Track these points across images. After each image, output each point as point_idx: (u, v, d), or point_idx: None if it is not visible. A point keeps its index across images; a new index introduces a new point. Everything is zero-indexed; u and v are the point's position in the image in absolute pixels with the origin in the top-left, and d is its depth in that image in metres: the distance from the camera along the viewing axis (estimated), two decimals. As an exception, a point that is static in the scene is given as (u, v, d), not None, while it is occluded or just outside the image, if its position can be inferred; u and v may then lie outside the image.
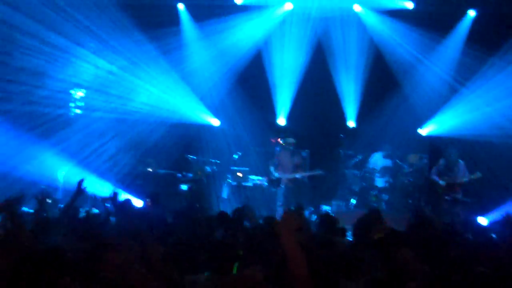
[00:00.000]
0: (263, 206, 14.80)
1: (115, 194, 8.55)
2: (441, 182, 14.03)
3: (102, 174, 14.47)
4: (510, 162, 14.81)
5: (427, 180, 15.56)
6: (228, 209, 11.33)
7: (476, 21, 15.92)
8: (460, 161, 14.13)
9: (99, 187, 12.89)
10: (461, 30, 16.13)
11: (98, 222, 8.85)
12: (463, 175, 14.00)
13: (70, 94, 15.39)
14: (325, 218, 9.02)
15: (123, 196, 12.67)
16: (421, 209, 14.09)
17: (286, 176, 14.80)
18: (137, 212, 9.81)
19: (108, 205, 8.74)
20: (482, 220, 12.61)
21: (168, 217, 9.58)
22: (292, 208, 14.38)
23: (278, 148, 15.52)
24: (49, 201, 11.58)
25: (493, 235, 8.94)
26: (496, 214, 12.89)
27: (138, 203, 12.66)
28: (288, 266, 4.35)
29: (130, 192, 13.47)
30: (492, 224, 11.84)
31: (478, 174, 13.93)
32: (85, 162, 14.61)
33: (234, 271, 5.63)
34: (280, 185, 14.79)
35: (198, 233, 7.84)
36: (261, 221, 9.18)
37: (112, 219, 9.01)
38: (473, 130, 15.16)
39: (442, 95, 16.16)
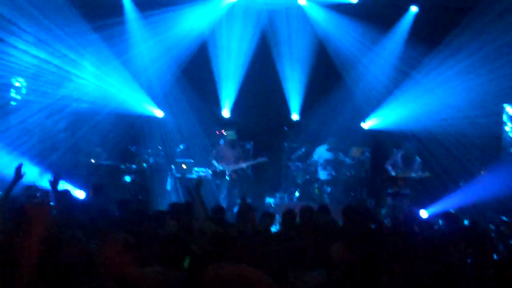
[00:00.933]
0: (207, 198, 14.74)
1: (55, 179, 8.39)
2: (392, 173, 14.20)
3: (43, 164, 14.13)
4: (450, 155, 15.17)
5: (368, 173, 15.82)
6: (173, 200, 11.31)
7: (418, 16, 16.18)
8: (417, 158, 14.32)
9: (39, 177, 12.60)
10: (403, 25, 16.38)
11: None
12: (416, 171, 14.18)
13: (10, 82, 14.96)
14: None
15: (65, 186, 12.52)
16: (362, 202, 14.36)
17: (230, 168, 14.79)
18: (78, 203, 9.68)
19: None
20: (423, 213, 12.87)
21: (111, 209, 9.48)
22: (236, 200, 14.50)
23: (222, 140, 15.49)
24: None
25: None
26: (436, 207, 13.22)
27: (80, 194, 12.48)
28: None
29: (72, 183, 13.23)
30: (432, 217, 12.14)
31: (426, 173, 14.15)
32: (24, 152, 14.25)
33: (186, 265, 5.60)
34: (225, 177, 14.77)
35: (147, 226, 7.75)
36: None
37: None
38: (415, 123, 15.47)
39: (385, 89, 16.39)
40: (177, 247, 5.65)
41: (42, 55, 14.74)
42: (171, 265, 5.46)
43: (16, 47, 14.32)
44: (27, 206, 4.19)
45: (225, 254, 5.37)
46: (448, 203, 13.49)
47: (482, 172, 14.73)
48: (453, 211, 10.64)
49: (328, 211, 9.66)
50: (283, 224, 8.91)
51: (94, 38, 15.24)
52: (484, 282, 5.11)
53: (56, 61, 14.95)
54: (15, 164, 7.93)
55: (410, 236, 7.93)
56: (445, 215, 9.68)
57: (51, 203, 8.73)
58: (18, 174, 8.11)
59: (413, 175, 14.08)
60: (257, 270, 4.95)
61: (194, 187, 9.29)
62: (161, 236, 6.26)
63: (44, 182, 10.52)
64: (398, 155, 14.38)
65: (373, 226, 9.01)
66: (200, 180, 9.40)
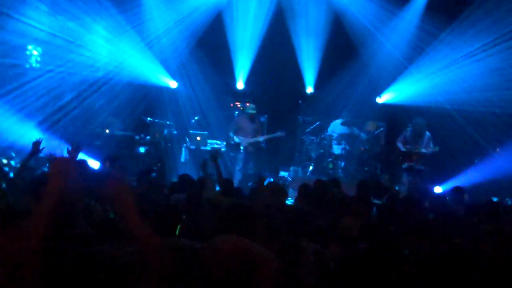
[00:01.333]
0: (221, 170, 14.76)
1: (74, 149, 8.38)
2: (402, 149, 14.13)
3: (58, 133, 14.17)
4: (465, 132, 15.09)
5: (383, 148, 15.77)
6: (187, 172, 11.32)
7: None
8: (427, 132, 14.22)
9: (56, 146, 12.63)
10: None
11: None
12: (426, 147, 14.11)
13: (26, 49, 14.95)
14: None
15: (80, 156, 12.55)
16: (376, 176, 14.33)
17: (247, 141, 14.77)
18: (94, 173, 9.69)
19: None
20: (438, 189, 12.83)
21: (127, 179, 9.49)
22: (250, 172, 14.51)
23: (237, 113, 15.46)
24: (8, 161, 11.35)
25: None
26: (451, 183, 13.17)
27: (95, 164, 12.49)
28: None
29: (86, 153, 13.26)
30: (446, 193, 12.08)
31: (435, 148, 14.07)
32: (42, 122, 14.31)
33: (177, 232, 5.64)
34: (239, 149, 14.77)
35: (153, 197, 7.79)
36: (217, 187, 9.19)
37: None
38: (430, 98, 15.36)
39: (401, 63, 16.24)
40: (171, 217, 5.72)
41: (56, 22, 14.71)
42: (165, 235, 5.50)
43: (29, 15, 14.31)
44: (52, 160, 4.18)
45: (241, 227, 5.37)
46: (463, 180, 13.47)
47: (497, 150, 14.66)
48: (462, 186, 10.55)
49: (339, 185, 9.68)
50: (298, 198, 8.91)
51: (110, 8, 15.15)
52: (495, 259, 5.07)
53: (69, 27, 14.91)
54: (31, 134, 7.95)
55: (421, 213, 7.94)
56: (454, 190, 9.63)
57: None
58: (36, 148, 8.13)
59: (423, 150, 14.00)
60: (260, 246, 4.93)
61: (209, 159, 9.35)
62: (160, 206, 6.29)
63: (60, 152, 10.54)
64: (408, 131, 14.30)
65: (385, 201, 9.02)
66: (217, 152, 9.43)
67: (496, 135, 14.90)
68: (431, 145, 14.08)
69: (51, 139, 12.96)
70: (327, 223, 6.82)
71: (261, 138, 14.95)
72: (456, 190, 9.63)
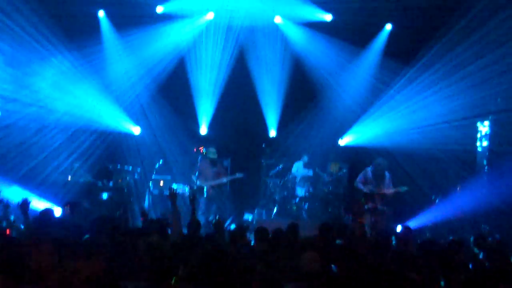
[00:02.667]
0: (185, 214, 14.69)
1: (24, 201, 8.42)
2: (365, 190, 14.17)
3: (20, 181, 14.03)
4: (426, 171, 15.31)
5: (346, 189, 15.89)
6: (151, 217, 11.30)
7: (392, 34, 16.36)
8: (387, 173, 14.34)
9: (16, 194, 12.51)
10: (378, 42, 16.55)
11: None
12: (388, 187, 14.21)
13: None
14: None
15: (41, 204, 12.45)
16: (340, 217, 14.40)
17: (208, 183, 14.77)
18: (55, 221, 9.60)
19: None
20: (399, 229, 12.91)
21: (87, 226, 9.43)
22: (212, 217, 14.49)
23: (200, 157, 15.50)
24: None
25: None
26: (414, 223, 13.32)
27: (56, 211, 12.37)
28: None
29: (49, 200, 13.18)
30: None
31: (404, 188, 14.16)
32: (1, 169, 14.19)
33: (173, 282, 5.62)
34: (202, 193, 14.75)
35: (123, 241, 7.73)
36: (184, 230, 9.18)
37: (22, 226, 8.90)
38: (390, 139, 15.57)
39: (361, 106, 16.50)
40: (165, 263, 5.71)
41: (19, 72, 14.70)
42: (159, 281, 5.48)
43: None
44: None
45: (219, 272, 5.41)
46: (425, 219, 13.63)
47: (458, 188, 14.88)
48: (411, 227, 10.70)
49: (297, 230, 9.76)
50: (256, 242, 8.96)
51: (71, 57, 15.21)
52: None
53: (32, 79, 14.91)
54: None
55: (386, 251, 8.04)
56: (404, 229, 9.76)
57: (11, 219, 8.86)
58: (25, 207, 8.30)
59: (386, 191, 14.08)
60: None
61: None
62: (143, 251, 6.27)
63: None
64: (368, 171, 14.41)
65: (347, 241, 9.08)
66: (173, 191, 9.47)
67: (456, 173, 15.16)
68: (391, 185, 14.20)
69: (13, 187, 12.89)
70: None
71: (218, 181, 14.93)
72: (406, 229, 9.76)
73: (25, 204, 8.46)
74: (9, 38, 14.50)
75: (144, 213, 9.91)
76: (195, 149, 16.00)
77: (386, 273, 6.06)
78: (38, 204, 12.44)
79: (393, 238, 9.37)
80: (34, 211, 9.40)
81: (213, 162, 14.97)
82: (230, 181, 15.28)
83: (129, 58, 16.34)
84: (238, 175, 14.99)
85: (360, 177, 14.37)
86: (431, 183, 15.21)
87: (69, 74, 15.48)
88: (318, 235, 8.92)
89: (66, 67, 15.42)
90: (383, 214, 14.11)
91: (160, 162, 16.04)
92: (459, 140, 14.95)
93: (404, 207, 14.46)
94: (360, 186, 14.19)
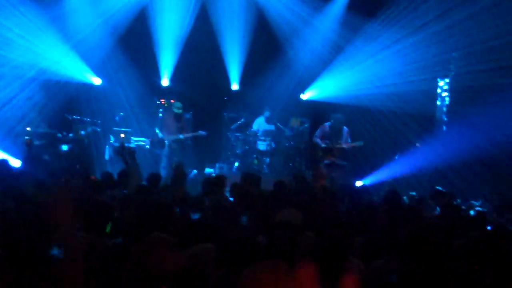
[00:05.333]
0: (146, 167, 14.66)
1: None
2: (323, 145, 14.31)
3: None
4: (386, 126, 15.49)
5: (307, 144, 15.99)
6: (110, 170, 11.25)
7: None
8: (345, 127, 14.47)
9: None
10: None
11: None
12: (345, 141, 14.36)
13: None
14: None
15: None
16: (300, 173, 14.52)
17: (170, 138, 14.70)
18: (14, 173, 9.52)
19: None
20: (358, 183, 13.11)
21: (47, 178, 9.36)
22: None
23: (161, 110, 15.38)
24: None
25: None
26: (372, 178, 13.52)
27: (15, 163, 12.22)
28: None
29: (8, 152, 13.00)
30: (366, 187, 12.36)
31: (360, 143, 14.33)
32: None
33: (107, 230, 5.65)
34: (164, 146, 14.70)
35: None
36: (144, 182, 9.18)
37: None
38: (351, 94, 15.67)
39: (323, 60, 16.51)
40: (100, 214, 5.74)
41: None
42: (94, 231, 5.51)
43: None
44: None
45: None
46: (383, 174, 13.84)
47: (417, 144, 15.10)
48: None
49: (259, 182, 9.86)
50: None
51: (28, 4, 14.81)
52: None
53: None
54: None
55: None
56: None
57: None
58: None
59: (345, 146, 14.25)
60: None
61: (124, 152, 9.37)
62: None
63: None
64: (326, 126, 14.54)
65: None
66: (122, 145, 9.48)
67: (416, 130, 15.36)
68: (349, 140, 14.37)
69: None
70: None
71: (181, 136, 14.87)
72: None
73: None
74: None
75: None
76: (162, 102, 15.88)
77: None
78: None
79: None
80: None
81: (177, 117, 14.87)
82: (192, 137, 15.22)
83: (90, 8, 15.97)
84: (201, 132, 14.95)
85: (318, 132, 14.55)
86: (391, 140, 15.40)
87: (29, 24, 15.07)
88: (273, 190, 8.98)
89: (27, 17, 15.00)
90: (342, 168, 14.30)
91: (121, 114, 15.87)
92: (419, 97, 15.10)
93: (363, 162, 14.65)
94: (318, 140, 14.38)
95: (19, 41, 15.05)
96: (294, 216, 6.45)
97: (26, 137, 13.03)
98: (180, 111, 14.83)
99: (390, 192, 8.91)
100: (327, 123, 14.52)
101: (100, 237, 5.55)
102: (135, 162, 9.29)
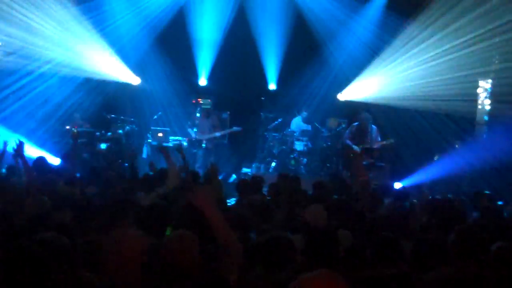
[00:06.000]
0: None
1: (19, 145, 8.28)
2: (356, 148, 14.16)
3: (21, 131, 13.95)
4: (423, 128, 15.28)
5: (343, 145, 15.87)
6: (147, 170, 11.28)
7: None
8: (373, 126, 14.34)
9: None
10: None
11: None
12: (375, 140, 14.22)
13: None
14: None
15: (38, 153, 12.43)
16: (338, 173, 14.40)
17: (204, 137, 14.72)
18: (52, 169, 9.62)
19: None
20: (398, 186, 12.93)
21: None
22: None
23: (198, 109, 15.42)
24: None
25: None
26: (411, 180, 13.31)
27: (54, 160, 12.36)
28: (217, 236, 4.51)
29: (47, 150, 13.16)
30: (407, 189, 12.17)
31: (390, 140, 14.19)
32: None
33: (168, 233, 5.57)
34: (201, 146, 14.71)
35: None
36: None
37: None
38: (390, 96, 15.49)
39: (362, 60, 16.35)
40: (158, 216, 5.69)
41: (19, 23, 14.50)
42: (153, 234, 5.42)
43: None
44: None
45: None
46: (423, 176, 13.62)
47: (456, 145, 14.86)
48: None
49: (299, 182, 9.76)
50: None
51: (69, 6, 14.97)
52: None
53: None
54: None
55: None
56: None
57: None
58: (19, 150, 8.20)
59: (375, 146, 14.11)
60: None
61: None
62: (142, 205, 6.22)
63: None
64: (354, 127, 14.45)
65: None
66: (180, 145, 9.56)
67: (455, 131, 15.12)
68: (379, 139, 14.22)
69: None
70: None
71: (217, 134, 14.87)
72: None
73: (20, 147, 8.32)
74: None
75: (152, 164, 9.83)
76: (193, 101, 15.90)
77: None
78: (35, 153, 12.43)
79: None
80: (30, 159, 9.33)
81: (206, 114, 14.88)
82: (228, 134, 15.20)
83: (129, 7, 16.09)
84: (236, 128, 14.93)
85: (346, 133, 14.48)
86: (431, 141, 15.20)
87: (70, 23, 15.23)
88: (312, 192, 8.91)
89: (67, 19, 15.16)
90: (381, 169, 14.15)
91: (159, 114, 15.94)
92: (459, 98, 14.85)
93: (403, 164, 14.48)
94: (348, 142, 14.27)
95: (60, 40, 15.23)
96: (320, 214, 6.41)
97: (73, 129, 13.16)
98: (208, 106, 14.86)
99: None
100: (355, 124, 14.44)
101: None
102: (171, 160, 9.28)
